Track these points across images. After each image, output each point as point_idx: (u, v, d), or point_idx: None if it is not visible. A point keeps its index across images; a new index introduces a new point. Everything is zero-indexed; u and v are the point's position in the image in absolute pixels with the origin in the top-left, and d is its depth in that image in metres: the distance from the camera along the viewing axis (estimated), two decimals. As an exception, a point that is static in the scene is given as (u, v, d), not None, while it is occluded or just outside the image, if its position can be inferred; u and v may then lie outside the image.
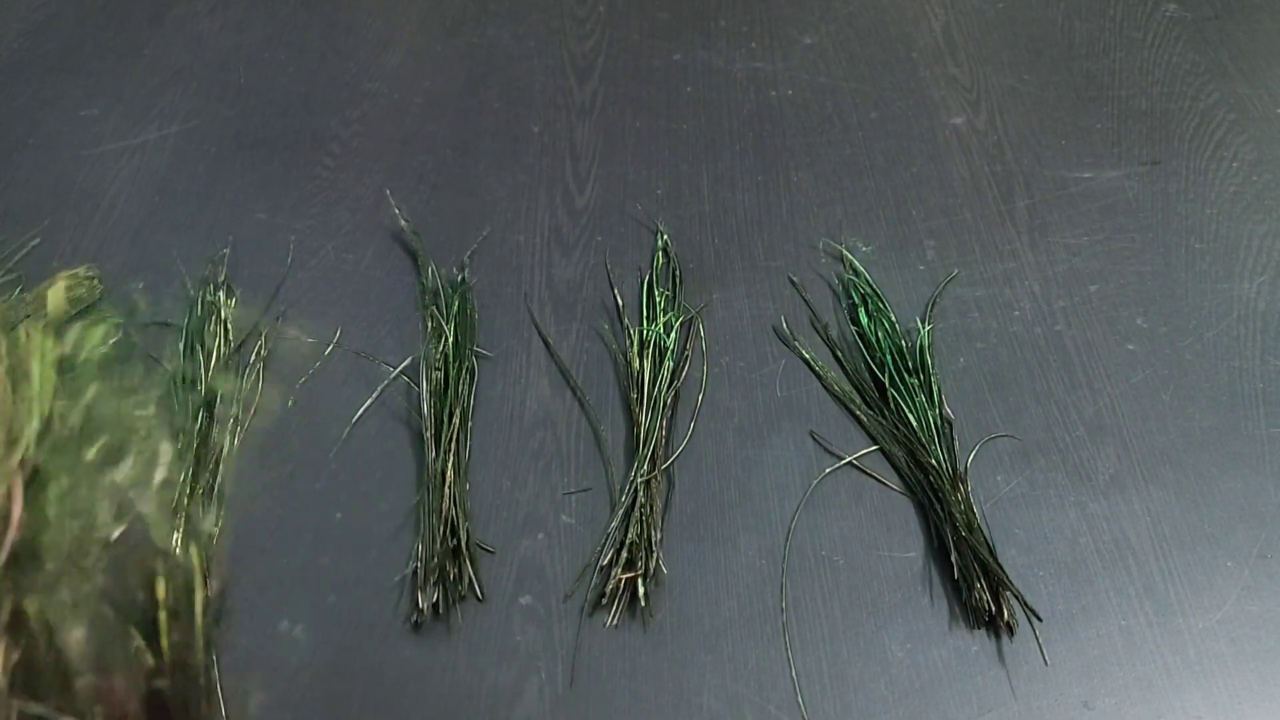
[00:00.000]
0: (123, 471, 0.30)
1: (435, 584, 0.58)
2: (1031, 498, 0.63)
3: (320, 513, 0.63)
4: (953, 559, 0.58)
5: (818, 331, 0.72)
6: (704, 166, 0.83)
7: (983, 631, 0.57)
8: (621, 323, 0.72)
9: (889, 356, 0.68)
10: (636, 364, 0.68)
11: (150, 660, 0.32)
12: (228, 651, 0.57)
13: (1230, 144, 0.84)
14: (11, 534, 0.27)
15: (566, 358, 0.70)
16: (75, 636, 0.32)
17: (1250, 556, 0.60)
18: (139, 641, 0.28)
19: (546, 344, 0.71)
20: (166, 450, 0.32)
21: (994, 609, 0.56)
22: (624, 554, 0.59)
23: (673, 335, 0.70)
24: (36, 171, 0.83)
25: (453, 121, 0.88)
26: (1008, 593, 0.57)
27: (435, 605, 0.58)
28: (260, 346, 0.71)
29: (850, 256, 0.75)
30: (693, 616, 0.58)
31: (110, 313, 0.71)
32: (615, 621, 0.58)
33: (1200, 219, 0.78)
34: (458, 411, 0.66)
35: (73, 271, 0.74)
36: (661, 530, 0.61)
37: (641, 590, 0.58)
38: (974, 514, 0.61)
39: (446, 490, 0.61)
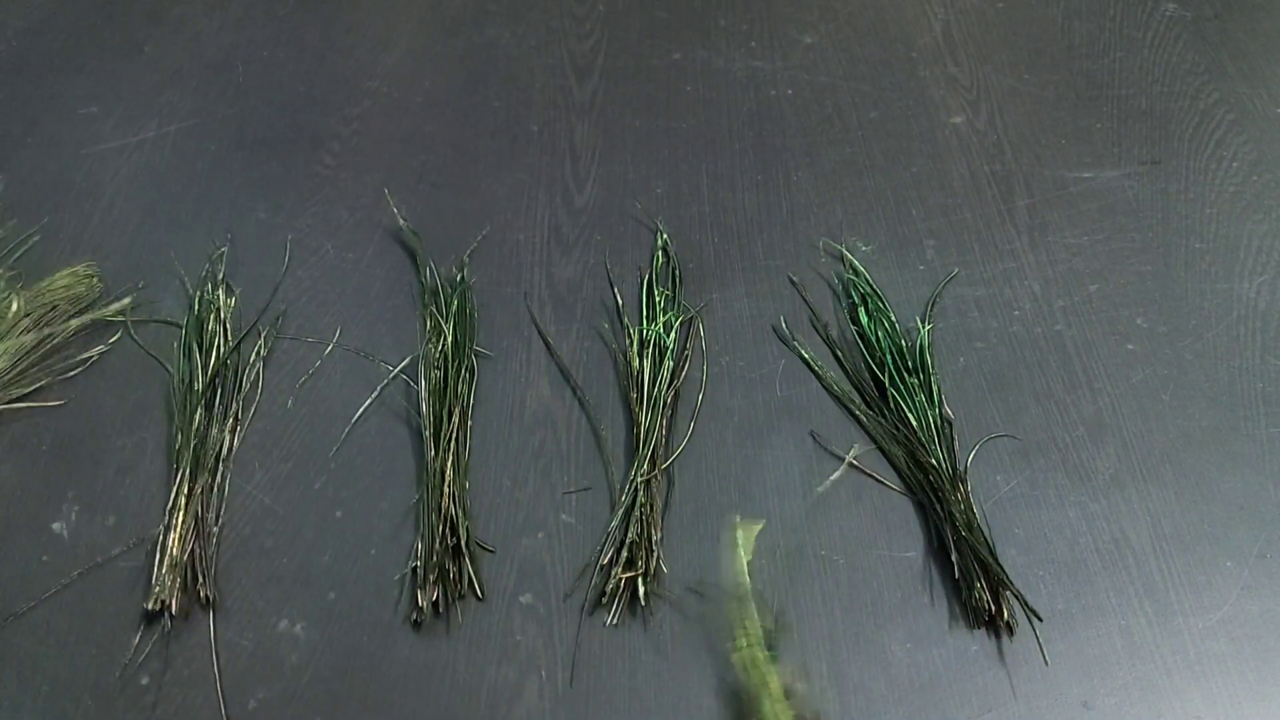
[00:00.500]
0: None
1: (435, 582, 0.58)
2: (1031, 498, 0.63)
3: (320, 511, 0.63)
4: (953, 559, 0.58)
5: (818, 331, 0.72)
6: (704, 166, 0.83)
7: (983, 631, 0.57)
8: (621, 322, 0.72)
9: (889, 356, 0.68)
10: (636, 363, 0.68)
11: None
12: (228, 650, 0.57)
13: (1230, 144, 0.84)
14: None
15: (566, 357, 0.70)
16: None
17: (1250, 556, 0.60)
18: None
19: (546, 343, 0.71)
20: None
21: (994, 609, 0.56)
22: (624, 553, 0.59)
23: (672, 335, 0.70)
24: (36, 169, 0.83)
25: (452, 120, 0.88)
26: (1008, 592, 0.57)
27: (435, 604, 0.58)
28: (260, 345, 0.71)
29: (850, 256, 0.75)
30: (693, 616, 0.58)
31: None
32: (615, 620, 0.58)
33: (1200, 219, 0.78)
34: (457, 410, 0.66)
35: (72, 269, 0.73)
36: (661, 530, 0.61)
37: (641, 589, 0.58)
38: (974, 514, 0.61)
39: (446, 489, 0.61)
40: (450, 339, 0.69)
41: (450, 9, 0.99)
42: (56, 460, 0.65)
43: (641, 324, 0.71)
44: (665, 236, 0.77)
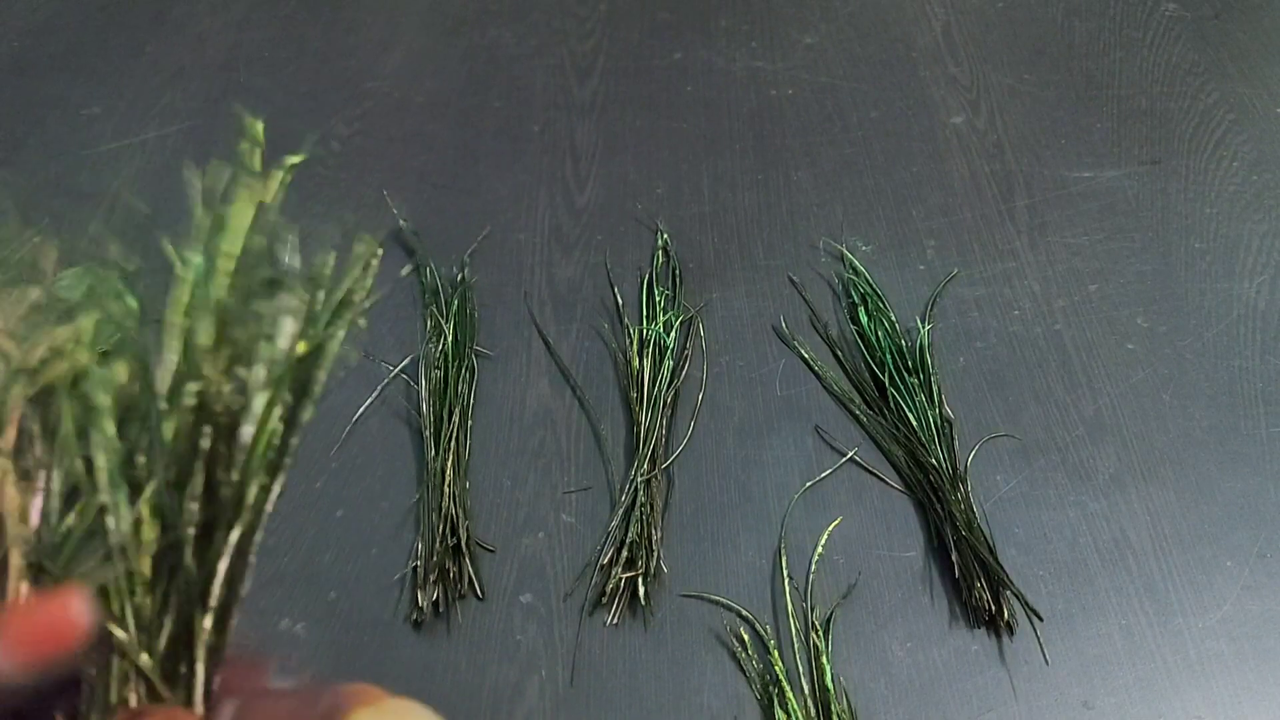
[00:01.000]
0: None
1: (436, 582, 0.58)
2: (1031, 497, 0.63)
3: (321, 511, 0.63)
4: (953, 558, 0.58)
5: (818, 331, 0.72)
6: (704, 166, 0.83)
7: (983, 631, 0.57)
8: (621, 322, 0.72)
9: (889, 356, 0.68)
10: (636, 363, 0.68)
11: None
12: (228, 650, 0.57)
13: (1230, 144, 0.84)
14: None
15: (566, 357, 0.70)
16: None
17: (1250, 556, 0.60)
18: None
19: (546, 343, 0.71)
20: None
21: (994, 608, 0.56)
22: (624, 553, 0.59)
23: (672, 334, 0.70)
24: (37, 170, 0.83)
25: (453, 121, 0.88)
26: (1008, 592, 0.57)
27: (436, 603, 0.58)
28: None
29: (850, 256, 0.76)
30: (693, 616, 0.58)
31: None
32: (615, 620, 0.58)
33: (1200, 219, 0.78)
34: (458, 410, 0.66)
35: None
36: (661, 529, 0.61)
37: (642, 589, 0.58)
38: (974, 513, 0.61)
39: (447, 489, 0.61)
40: (451, 339, 0.69)
41: (452, 9, 0.99)
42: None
43: (641, 324, 0.71)
44: (665, 236, 0.77)
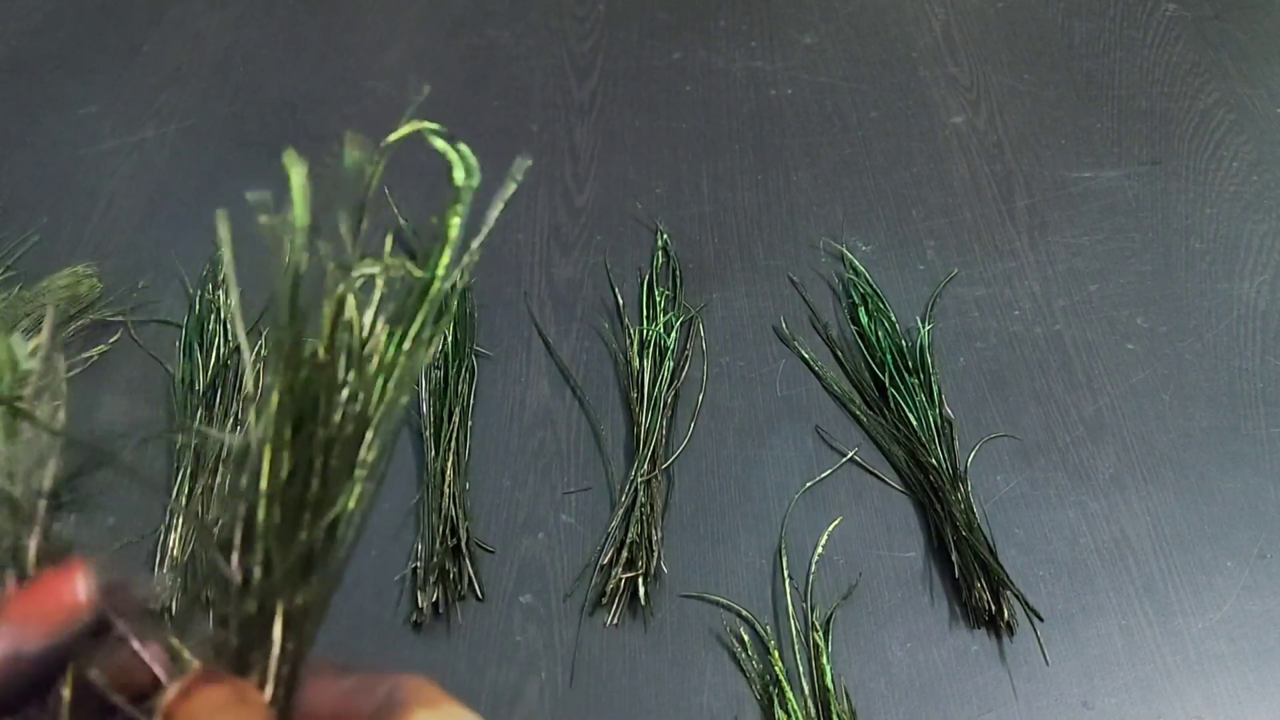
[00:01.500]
0: None
1: (435, 583, 0.58)
2: (1031, 498, 0.63)
3: (320, 512, 0.63)
4: (953, 559, 0.58)
5: (818, 331, 0.72)
6: (704, 166, 0.83)
7: (983, 631, 0.57)
8: (621, 322, 0.72)
9: (889, 356, 0.68)
10: (636, 364, 0.68)
11: None
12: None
13: (1230, 144, 0.84)
14: None
15: (566, 357, 0.70)
16: None
17: (1250, 556, 0.60)
18: None
19: (546, 343, 0.71)
20: None
21: (994, 609, 0.56)
22: (624, 553, 0.59)
23: (673, 335, 0.70)
24: (36, 169, 0.83)
25: (452, 120, 0.87)
26: (1008, 592, 0.57)
27: (435, 604, 0.58)
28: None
29: (850, 256, 0.75)
30: (693, 616, 0.58)
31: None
32: (615, 621, 0.58)
33: (1200, 219, 0.78)
34: (457, 410, 0.66)
35: (72, 269, 0.73)
36: (661, 530, 0.61)
37: (642, 590, 0.58)
38: (974, 514, 0.61)
39: (446, 489, 0.61)
40: (450, 339, 0.69)
41: (450, 9, 0.99)
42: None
43: (641, 324, 0.71)
44: (665, 236, 0.77)
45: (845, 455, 0.65)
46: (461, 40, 0.96)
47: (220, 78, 0.92)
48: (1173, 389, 0.68)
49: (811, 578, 0.59)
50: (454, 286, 0.28)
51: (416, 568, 0.59)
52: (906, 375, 0.67)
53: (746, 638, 0.57)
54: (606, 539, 0.61)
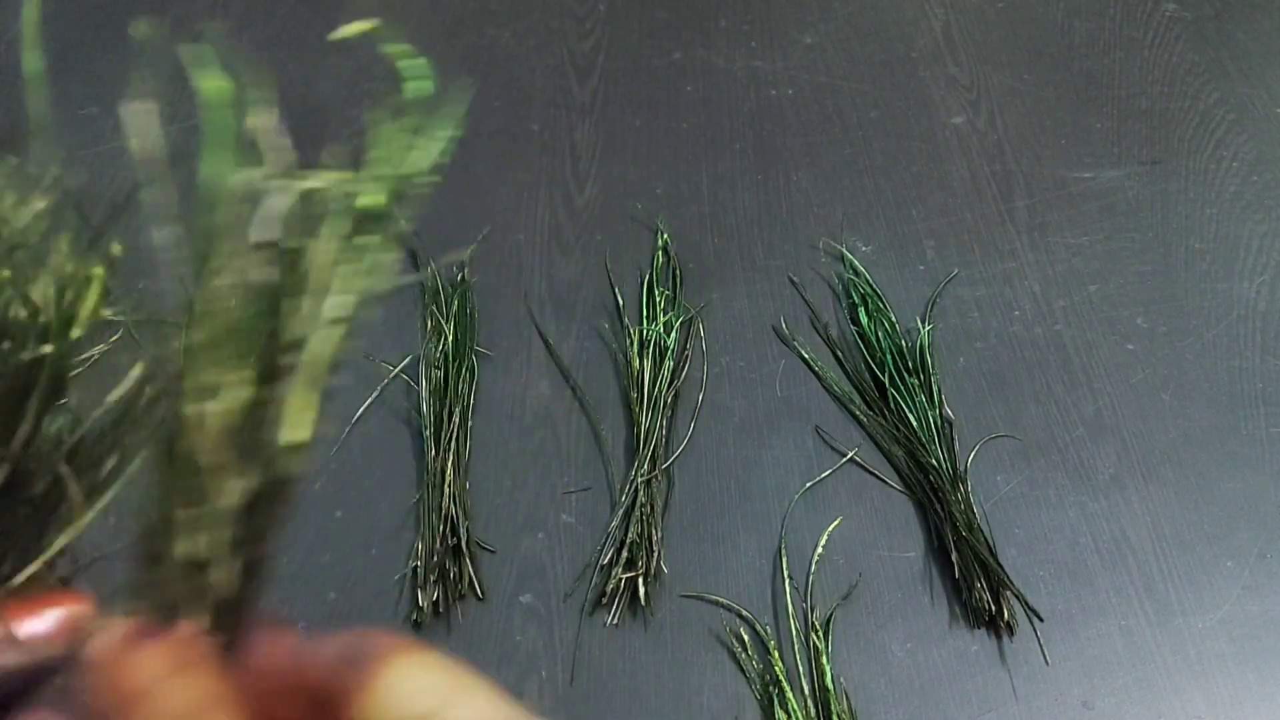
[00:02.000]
0: None
1: (435, 582, 0.58)
2: (1031, 498, 0.63)
3: (321, 511, 0.63)
4: (953, 559, 0.58)
5: (818, 331, 0.72)
6: (704, 166, 0.83)
7: (983, 631, 0.57)
8: (621, 322, 0.72)
9: (889, 356, 0.68)
10: (636, 364, 0.68)
11: None
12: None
13: (1230, 144, 0.84)
14: None
15: (566, 357, 0.70)
16: None
17: (1250, 556, 0.60)
18: None
19: (546, 343, 0.71)
20: None
21: (994, 609, 0.56)
22: (624, 553, 0.59)
23: (673, 335, 0.70)
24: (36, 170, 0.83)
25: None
26: (1008, 592, 0.57)
27: (435, 604, 0.58)
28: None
29: (850, 256, 0.75)
30: (693, 616, 0.58)
31: None
32: (615, 620, 0.58)
33: (1200, 219, 0.78)
34: (457, 410, 0.66)
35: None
36: (661, 530, 0.61)
37: (642, 589, 0.58)
38: (974, 514, 0.61)
39: (447, 489, 0.61)
40: (451, 339, 0.69)
41: (451, 9, 0.99)
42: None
43: (641, 324, 0.71)
44: (665, 236, 0.77)
45: (845, 455, 0.65)
46: (462, 40, 0.96)
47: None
48: (1173, 389, 0.68)
49: (811, 578, 0.59)
50: (398, 200, 0.26)
51: (417, 567, 0.59)
52: (906, 375, 0.67)
53: (746, 638, 0.57)
54: (606, 539, 0.61)
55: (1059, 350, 0.70)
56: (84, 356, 0.73)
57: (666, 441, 0.65)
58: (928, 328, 0.70)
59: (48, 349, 0.27)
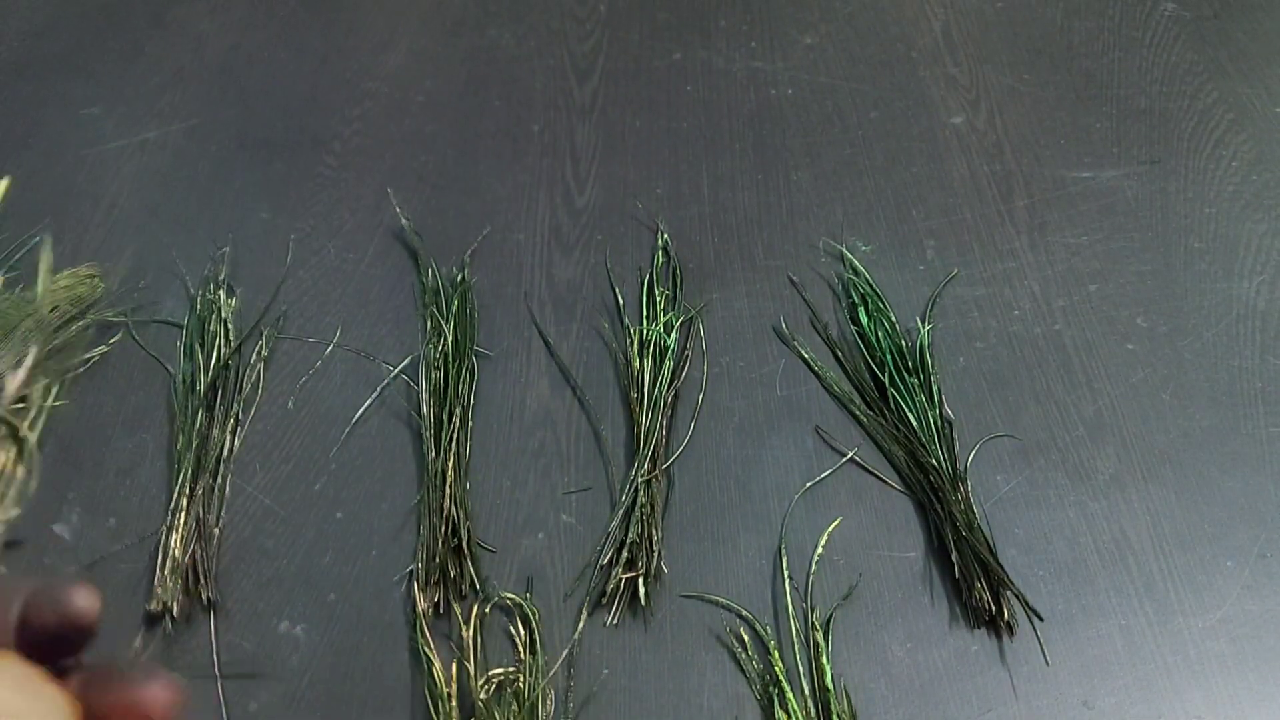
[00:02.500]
0: None
1: (436, 583, 0.58)
2: (1031, 498, 0.63)
3: (321, 512, 0.63)
4: (953, 559, 0.58)
5: (818, 331, 0.72)
6: (704, 166, 0.83)
7: (983, 631, 0.57)
8: (621, 322, 0.72)
9: (889, 356, 0.68)
10: (636, 364, 0.68)
11: None
12: (228, 651, 0.57)
13: (1229, 143, 0.84)
14: None
15: (566, 357, 0.70)
16: None
17: (1250, 556, 0.60)
18: None
19: (546, 343, 0.71)
20: None
21: (994, 609, 0.56)
22: (624, 553, 0.59)
23: (673, 335, 0.70)
24: (38, 170, 0.83)
25: (453, 121, 0.88)
26: (1008, 592, 0.57)
27: (436, 605, 0.58)
28: (261, 346, 0.71)
29: (850, 256, 0.76)
30: (693, 616, 0.58)
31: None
32: (615, 620, 0.58)
33: (1199, 218, 0.78)
34: (458, 411, 0.66)
35: (74, 270, 0.74)
36: (661, 530, 0.61)
37: (642, 590, 0.58)
38: (974, 514, 0.61)
39: (447, 490, 0.62)
40: (451, 339, 0.69)
41: (451, 10, 0.99)
42: (58, 461, 0.65)
43: (641, 324, 0.71)
44: (665, 236, 0.77)
45: (845, 455, 0.65)
46: (462, 41, 0.96)
47: (222, 80, 0.92)
48: (1172, 389, 0.68)
49: (811, 578, 0.59)
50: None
51: (417, 568, 0.59)
52: (906, 375, 0.67)
53: (746, 638, 0.57)
54: (606, 539, 0.61)
55: (1059, 350, 0.70)
56: (85, 357, 0.73)
57: (666, 441, 0.65)
58: (927, 327, 0.70)
59: None
